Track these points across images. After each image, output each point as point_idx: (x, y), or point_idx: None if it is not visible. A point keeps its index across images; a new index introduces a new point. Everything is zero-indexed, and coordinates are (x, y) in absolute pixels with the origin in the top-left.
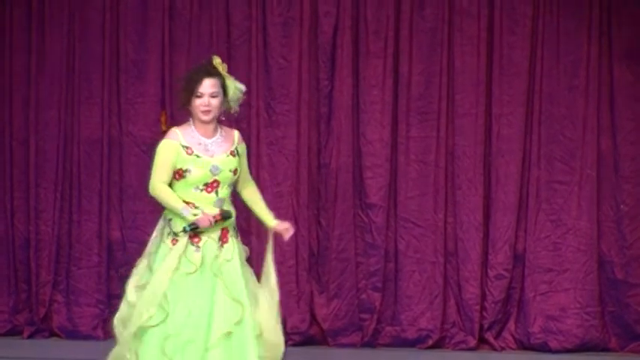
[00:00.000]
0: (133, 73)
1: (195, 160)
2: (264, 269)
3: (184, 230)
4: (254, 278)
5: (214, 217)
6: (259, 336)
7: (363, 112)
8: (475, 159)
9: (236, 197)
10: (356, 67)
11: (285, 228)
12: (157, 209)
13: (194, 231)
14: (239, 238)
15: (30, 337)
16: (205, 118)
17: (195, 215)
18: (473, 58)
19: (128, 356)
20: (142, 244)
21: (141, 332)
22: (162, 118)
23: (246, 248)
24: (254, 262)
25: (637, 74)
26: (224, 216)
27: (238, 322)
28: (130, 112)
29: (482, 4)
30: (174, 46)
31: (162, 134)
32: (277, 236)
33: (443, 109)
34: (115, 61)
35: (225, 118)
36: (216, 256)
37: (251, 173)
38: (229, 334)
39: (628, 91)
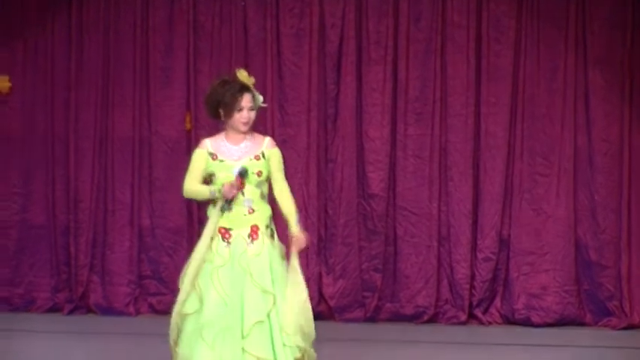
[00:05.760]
0: (161, 79)
1: (219, 165)
2: (289, 274)
3: (223, 210)
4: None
5: (236, 181)
6: (289, 325)
7: (366, 113)
8: (465, 154)
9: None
10: (359, 73)
11: (297, 239)
12: (182, 199)
13: (230, 204)
14: (275, 235)
15: (69, 313)
16: (245, 128)
17: (219, 192)
18: (463, 65)
19: (171, 342)
20: (169, 231)
21: (180, 319)
22: (187, 119)
23: (283, 247)
24: None
25: (608, 78)
26: (242, 174)
27: (269, 313)
28: (158, 114)
29: (471, 17)
30: (197, 55)
31: (187, 133)
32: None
33: (436, 110)
34: (145, 68)
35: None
36: (245, 252)
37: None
38: (261, 322)
39: (601, 93)
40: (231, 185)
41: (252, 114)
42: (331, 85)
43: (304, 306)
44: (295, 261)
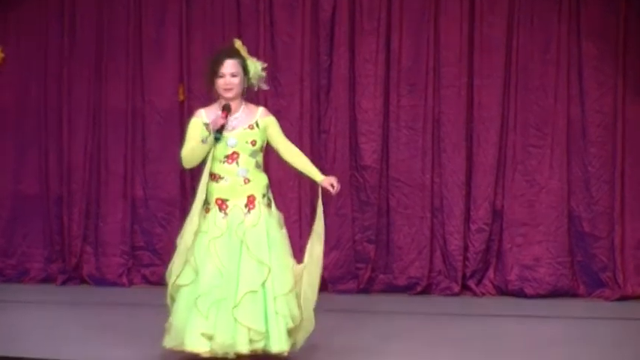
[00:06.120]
0: (154, 51)
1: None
2: (314, 230)
3: (217, 139)
4: (286, 242)
5: (222, 115)
6: (287, 294)
7: (359, 84)
8: (458, 125)
9: (267, 165)
10: (352, 44)
11: (329, 183)
12: (175, 170)
13: (220, 132)
14: (272, 204)
15: (62, 284)
16: (227, 95)
17: (208, 129)
18: (456, 36)
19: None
20: (161, 202)
21: (175, 290)
22: (180, 90)
23: (281, 214)
24: None
25: (602, 49)
26: (225, 108)
27: (263, 283)
28: (151, 86)
29: None
30: (190, 27)
31: (180, 104)
32: (325, 192)
33: (430, 81)
34: (138, 41)
35: (247, 94)
36: (242, 222)
37: None
38: (254, 292)
39: (594, 64)
40: (218, 118)
41: (235, 80)
42: (324, 56)
43: (318, 259)
44: (320, 210)
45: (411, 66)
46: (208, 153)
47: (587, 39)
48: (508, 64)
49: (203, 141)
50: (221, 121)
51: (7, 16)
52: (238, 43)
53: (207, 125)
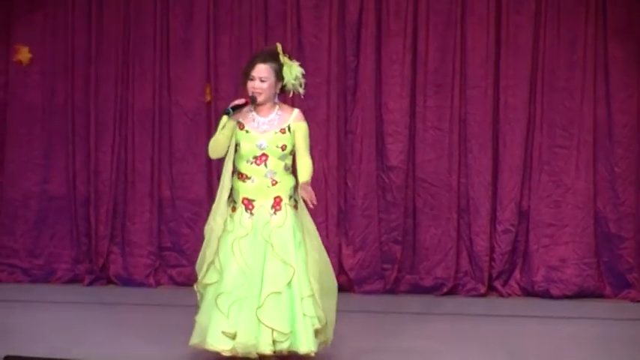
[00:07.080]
0: (181, 51)
1: (245, 135)
2: (306, 237)
3: (227, 113)
4: (313, 243)
5: (245, 100)
6: (313, 295)
7: (385, 85)
8: (484, 126)
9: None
10: (379, 45)
11: (307, 194)
12: (202, 170)
13: (234, 109)
14: (299, 205)
15: (89, 284)
16: (255, 97)
17: (226, 111)
18: (482, 37)
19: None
20: (189, 202)
21: (202, 287)
22: (207, 91)
23: (308, 214)
24: None
25: (628, 50)
26: (252, 99)
27: (288, 284)
28: (178, 86)
29: None
30: (217, 27)
31: (207, 105)
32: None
33: (456, 82)
34: (165, 40)
35: (281, 98)
36: (267, 223)
37: None
38: (279, 293)
39: (620, 65)
40: (240, 100)
41: (264, 85)
42: (351, 57)
43: (326, 268)
44: (310, 224)
45: (437, 67)
46: (229, 148)
47: (614, 40)
48: (534, 65)
49: (222, 122)
50: (239, 101)
51: (34, 17)
52: (279, 48)
53: (226, 112)
